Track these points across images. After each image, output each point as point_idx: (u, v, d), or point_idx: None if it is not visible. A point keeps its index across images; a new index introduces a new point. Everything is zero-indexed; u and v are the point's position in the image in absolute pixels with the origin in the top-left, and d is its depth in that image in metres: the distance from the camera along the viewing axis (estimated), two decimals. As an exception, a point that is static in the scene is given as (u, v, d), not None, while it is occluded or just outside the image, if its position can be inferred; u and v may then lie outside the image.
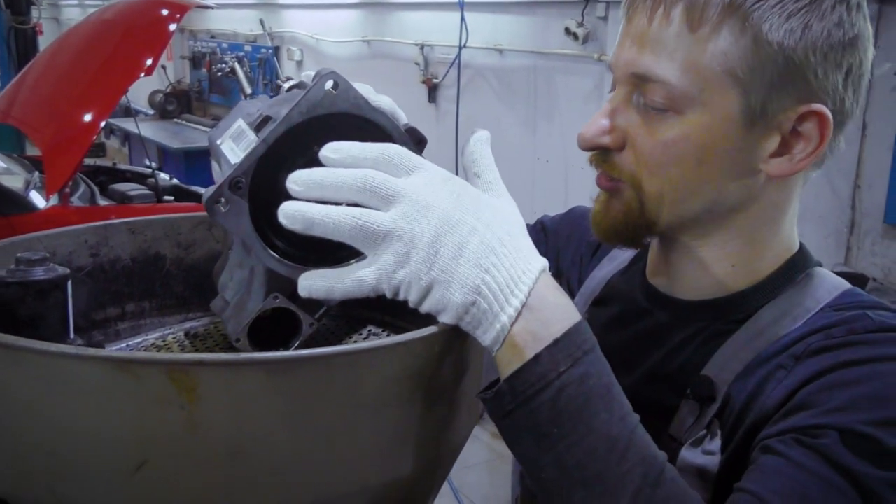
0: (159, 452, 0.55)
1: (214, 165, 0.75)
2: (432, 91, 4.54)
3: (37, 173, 3.38)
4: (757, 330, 0.77)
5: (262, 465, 0.56)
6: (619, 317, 0.89)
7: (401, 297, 0.60)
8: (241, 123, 0.68)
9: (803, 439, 0.66)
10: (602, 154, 0.77)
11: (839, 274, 0.83)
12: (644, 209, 0.76)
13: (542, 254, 1.02)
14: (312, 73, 0.71)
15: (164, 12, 3.49)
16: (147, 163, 4.83)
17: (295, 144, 0.65)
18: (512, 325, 0.60)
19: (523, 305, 0.61)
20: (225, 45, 6.76)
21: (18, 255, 0.70)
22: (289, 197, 0.61)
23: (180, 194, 4.16)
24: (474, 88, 4.20)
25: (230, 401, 0.54)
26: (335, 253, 0.65)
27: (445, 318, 0.61)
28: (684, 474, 0.72)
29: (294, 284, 0.63)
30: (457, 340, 0.64)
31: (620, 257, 0.96)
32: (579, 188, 3.68)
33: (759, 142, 0.73)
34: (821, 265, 0.83)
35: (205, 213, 0.63)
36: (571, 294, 0.97)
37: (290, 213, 0.59)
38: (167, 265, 0.92)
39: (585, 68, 3.48)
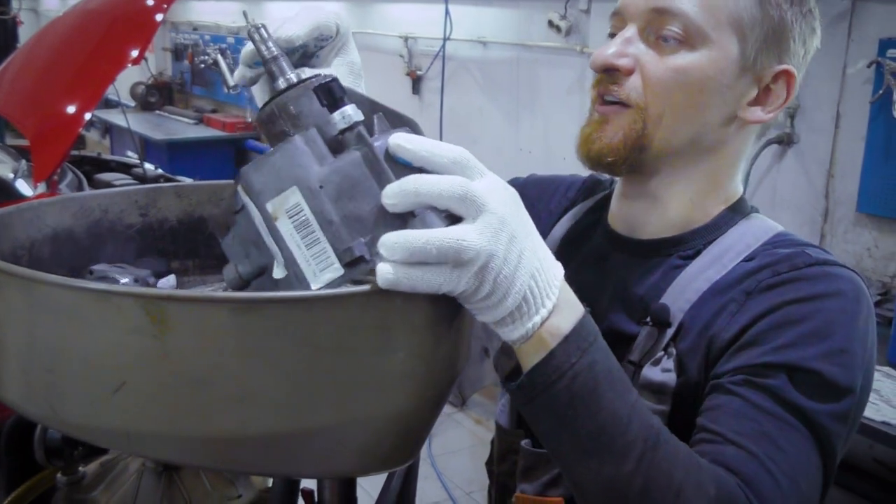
0: (135, 376, 0.61)
1: (261, 224, 0.66)
2: (416, 83, 4.58)
3: (24, 162, 3.39)
4: (706, 263, 0.87)
5: (226, 395, 0.61)
6: (583, 261, 0.98)
7: (465, 297, 0.64)
8: (301, 203, 0.63)
9: (755, 380, 0.75)
10: (611, 76, 0.86)
11: None
12: (644, 130, 0.85)
13: None
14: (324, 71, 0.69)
15: (150, 2, 3.49)
16: (130, 154, 4.84)
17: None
18: (539, 326, 0.67)
19: (554, 307, 0.67)
20: (207, 37, 6.76)
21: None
22: None
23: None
24: (458, 81, 4.25)
25: (197, 334, 0.60)
26: None
27: (488, 317, 0.66)
28: (645, 391, 0.81)
29: None
30: (419, 301, 0.66)
31: (580, 213, 1.04)
32: (561, 179, 3.74)
33: (744, 89, 0.85)
34: (757, 211, 0.93)
35: None
36: None
37: (390, 245, 0.60)
38: (210, 228, 0.97)
39: (568, 60, 3.54)
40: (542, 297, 0.67)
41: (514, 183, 1.12)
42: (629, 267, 0.93)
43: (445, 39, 4.11)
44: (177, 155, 5.98)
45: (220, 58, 6.54)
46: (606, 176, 1.04)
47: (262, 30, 0.72)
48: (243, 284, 0.69)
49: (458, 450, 3.62)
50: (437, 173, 0.62)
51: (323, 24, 0.81)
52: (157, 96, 7.15)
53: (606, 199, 1.01)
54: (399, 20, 4.63)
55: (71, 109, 3.33)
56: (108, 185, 3.79)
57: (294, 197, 0.63)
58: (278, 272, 0.66)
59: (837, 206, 2.57)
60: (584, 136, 0.89)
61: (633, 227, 0.94)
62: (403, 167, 0.63)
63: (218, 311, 0.59)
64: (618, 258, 0.95)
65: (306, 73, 0.73)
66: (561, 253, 0.99)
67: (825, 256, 0.83)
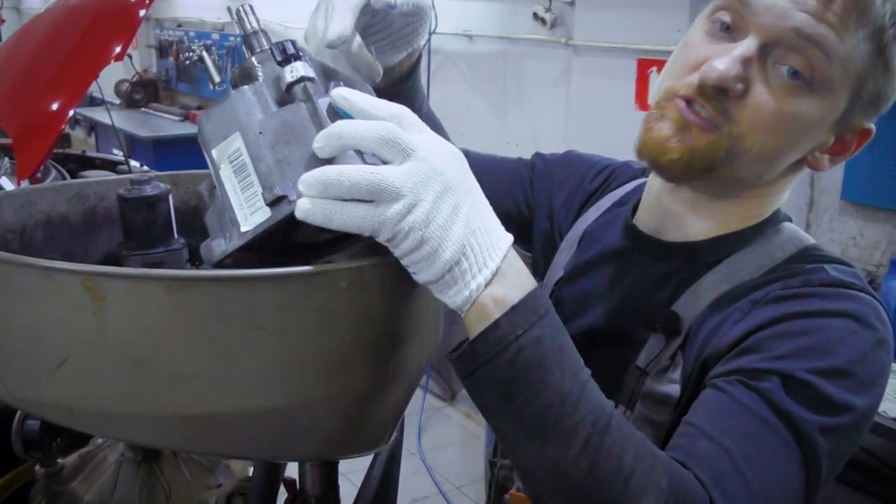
0: (76, 353, 0.62)
1: (213, 173, 0.70)
2: (402, 77, 4.56)
3: (7, 159, 3.36)
4: (725, 274, 0.84)
5: (164, 373, 0.61)
6: (602, 259, 0.95)
7: (394, 244, 0.63)
8: (241, 148, 0.66)
9: (748, 381, 0.72)
10: (715, 93, 0.77)
11: None
12: (724, 158, 0.79)
13: (522, 190, 1.08)
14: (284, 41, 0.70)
15: (133, -2, 3.47)
16: (115, 152, 4.80)
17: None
18: (483, 289, 0.65)
19: (497, 270, 0.65)
20: (192, 34, 6.72)
21: (131, 177, 0.84)
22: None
23: (151, 182, 4.15)
24: (444, 74, 4.24)
25: (134, 311, 0.60)
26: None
27: (428, 275, 0.64)
28: (649, 400, 0.78)
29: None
30: (367, 281, 0.67)
31: (606, 205, 1.02)
32: (548, 171, 3.74)
33: (827, 138, 0.81)
34: (790, 220, 0.89)
35: None
36: (560, 236, 1.03)
37: (306, 181, 0.61)
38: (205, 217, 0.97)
39: (553, 53, 3.53)
40: (484, 257, 0.64)
41: (532, 160, 1.12)
42: (647, 269, 0.90)
43: (431, 33, 4.09)
44: (163, 152, 5.94)
45: (205, 54, 6.47)
46: (640, 164, 0.98)
47: (248, 6, 0.76)
48: (220, 262, 0.69)
49: (447, 444, 3.62)
50: None
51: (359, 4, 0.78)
52: (142, 94, 7.10)
53: (634, 192, 0.97)
54: (384, 14, 4.62)
55: (54, 106, 3.30)
56: (93, 182, 3.77)
57: (236, 142, 0.66)
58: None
59: (822, 194, 2.58)
60: (656, 139, 0.80)
61: (660, 230, 0.90)
62: (344, 119, 0.65)
63: (153, 288, 0.59)
64: (637, 258, 0.91)
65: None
66: (581, 245, 0.99)
67: (847, 278, 0.78)
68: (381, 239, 0.63)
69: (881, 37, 0.75)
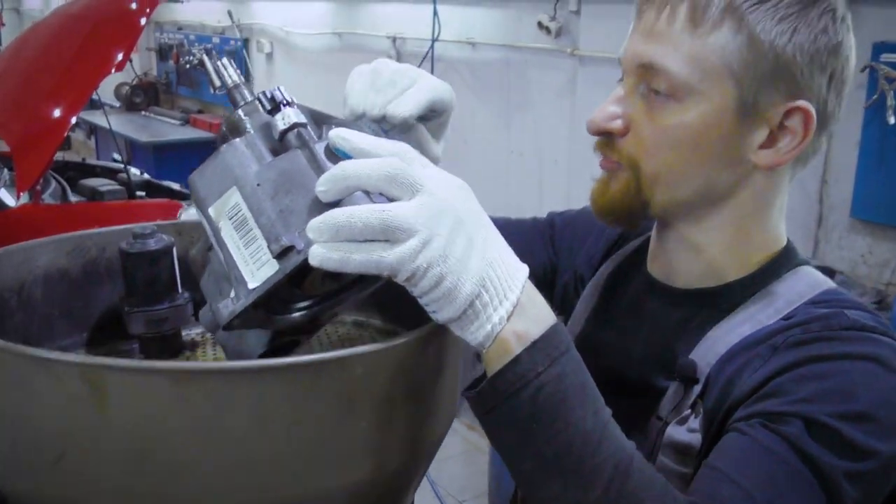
0: (75, 447, 0.59)
1: (210, 232, 0.67)
2: (405, 84, 4.53)
3: (6, 171, 3.33)
4: (741, 319, 0.83)
5: (168, 466, 0.59)
6: (622, 308, 0.95)
7: (412, 282, 0.61)
8: (240, 203, 0.63)
9: (770, 425, 0.71)
10: (607, 138, 0.84)
11: None
12: (640, 189, 0.83)
13: (544, 248, 1.06)
14: (275, 90, 0.69)
15: (133, 6, 3.45)
16: (115, 156, 4.78)
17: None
18: (504, 322, 0.63)
19: (517, 302, 0.63)
20: (192, 37, 6.69)
21: (134, 230, 0.82)
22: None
23: (151, 189, 4.12)
24: (447, 82, 4.18)
25: (138, 404, 0.58)
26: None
27: (449, 312, 0.61)
28: (670, 450, 0.77)
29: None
30: (383, 363, 0.64)
31: (626, 252, 1.01)
32: (553, 182, 3.71)
33: (750, 133, 0.80)
34: (808, 263, 0.87)
35: None
36: (583, 285, 1.03)
37: (315, 227, 0.59)
38: (193, 271, 0.94)
39: (558, 62, 3.51)
40: (504, 289, 0.63)
41: (549, 218, 1.12)
42: (664, 316, 0.89)
43: (434, 40, 4.07)
44: (163, 157, 5.92)
45: (205, 58, 6.44)
46: None
47: (226, 60, 0.74)
48: (219, 325, 0.66)
49: (451, 456, 3.60)
50: None
51: (438, 99, 0.82)
52: (142, 97, 7.08)
53: (647, 241, 0.98)
54: (387, 20, 4.59)
55: (55, 114, 3.27)
56: (94, 191, 3.74)
57: (234, 197, 0.63)
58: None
59: (831, 211, 2.55)
60: (592, 192, 0.88)
61: (670, 274, 0.90)
62: (344, 161, 0.63)
63: (159, 381, 0.57)
64: (653, 305, 0.91)
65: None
66: (603, 294, 0.98)
67: (868, 322, 0.77)
68: (399, 279, 0.61)
69: (734, 15, 0.77)
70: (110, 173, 4.20)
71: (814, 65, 0.78)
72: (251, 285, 0.62)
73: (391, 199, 0.61)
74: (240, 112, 0.68)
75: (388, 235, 0.59)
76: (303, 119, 0.66)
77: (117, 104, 7.21)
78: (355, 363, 0.58)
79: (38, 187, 3.13)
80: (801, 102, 0.79)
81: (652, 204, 0.83)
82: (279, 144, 0.66)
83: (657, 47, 0.79)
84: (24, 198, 3.11)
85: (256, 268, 0.62)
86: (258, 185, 0.63)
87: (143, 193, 4.07)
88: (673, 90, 0.79)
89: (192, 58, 6.56)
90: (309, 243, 0.60)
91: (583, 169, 3.40)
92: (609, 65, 3.33)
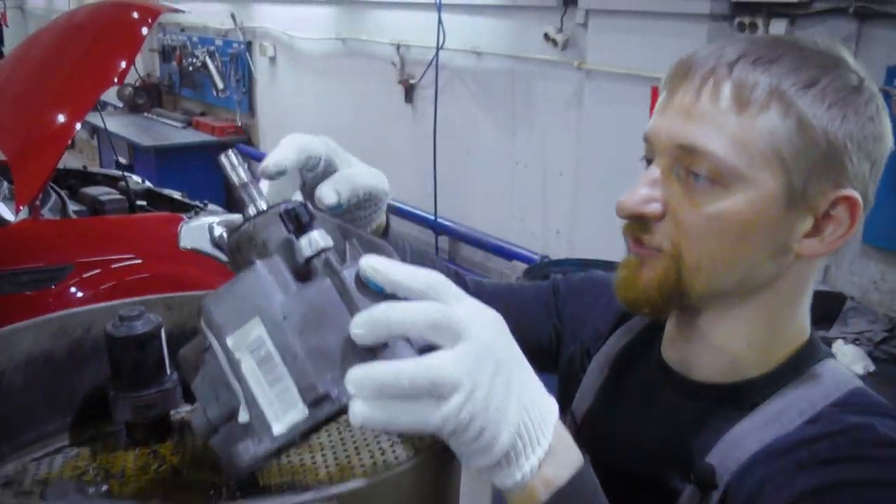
0: None
1: (225, 362, 0.61)
2: (409, 91, 4.50)
3: (5, 183, 3.29)
4: (763, 420, 0.77)
5: None
6: (632, 391, 0.90)
7: (455, 436, 0.58)
8: (264, 336, 0.59)
9: None
10: (639, 223, 0.78)
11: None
12: (680, 278, 0.77)
13: (548, 317, 1.02)
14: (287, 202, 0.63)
15: (135, 15, 3.40)
16: (116, 158, 4.74)
17: None
18: (536, 471, 0.60)
19: (549, 448, 0.61)
20: (195, 39, 6.65)
21: (121, 312, 0.77)
22: None
23: (153, 199, 4.09)
24: (452, 90, 4.17)
25: None
26: None
27: (483, 461, 0.59)
28: None
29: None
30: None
31: (638, 327, 0.95)
32: (558, 194, 3.67)
33: (796, 222, 0.76)
34: (832, 356, 0.83)
35: None
36: (588, 357, 0.97)
37: (357, 381, 0.55)
38: (181, 368, 0.90)
39: (565, 75, 3.46)
40: (537, 434, 0.60)
41: (552, 284, 1.07)
42: (679, 409, 0.84)
43: (439, 48, 4.02)
44: (165, 161, 5.90)
45: (209, 60, 6.45)
46: None
47: (232, 156, 0.67)
48: (213, 431, 0.62)
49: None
50: (411, 299, 0.57)
51: (308, 146, 0.75)
52: (144, 98, 7.05)
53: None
54: (391, 27, 4.55)
55: (55, 127, 3.24)
56: (95, 200, 3.71)
57: (256, 329, 0.58)
58: (244, 415, 0.60)
59: (842, 234, 2.51)
60: (621, 280, 0.81)
61: (686, 364, 0.85)
62: (375, 293, 0.58)
63: None
64: (668, 396, 0.86)
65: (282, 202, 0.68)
66: (612, 371, 0.93)
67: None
68: (443, 434, 0.57)
69: (781, 98, 0.73)
70: (112, 181, 4.16)
71: (861, 152, 0.75)
72: (276, 430, 0.57)
73: (432, 344, 0.57)
74: (254, 224, 0.63)
75: (434, 392, 0.55)
76: (329, 242, 0.61)
77: (120, 105, 7.18)
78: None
79: (38, 202, 3.09)
80: (850, 191, 0.75)
81: (690, 294, 0.78)
82: (303, 267, 0.61)
83: (699, 128, 0.74)
84: (24, 213, 3.07)
85: (282, 410, 0.58)
86: (284, 317, 0.58)
87: (144, 202, 4.04)
88: (717, 175, 0.74)
89: (194, 60, 6.52)
90: (343, 392, 0.56)
91: (588, 183, 3.36)
92: (616, 80, 3.31)
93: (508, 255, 3.93)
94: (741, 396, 0.80)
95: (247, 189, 0.66)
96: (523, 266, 3.83)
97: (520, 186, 3.91)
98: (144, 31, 3.38)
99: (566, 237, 3.62)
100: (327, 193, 0.74)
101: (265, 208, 0.64)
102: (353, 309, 0.57)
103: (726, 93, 0.73)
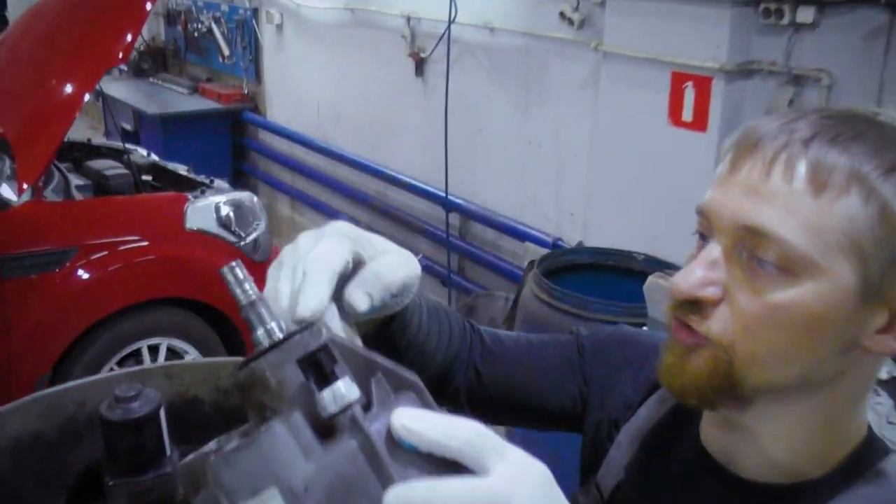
0: None
1: None
2: (419, 65, 4.39)
3: (7, 161, 3.21)
4: None
5: None
6: (668, 476, 0.83)
7: None
8: None
9: None
10: (692, 306, 0.71)
11: None
12: (731, 370, 0.70)
13: (574, 378, 0.95)
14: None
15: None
16: (124, 126, 4.67)
17: None
18: None
19: None
20: (200, 4, 6.51)
21: (116, 392, 0.72)
22: None
23: (158, 172, 4.03)
24: (463, 65, 4.07)
25: None
26: None
27: None
28: None
29: None
30: None
31: (671, 400, 0.87)
32: (573, 176, 3.59)
33: (869, 317, 0.69)
34: (892, 451, 0.77)
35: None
36: (616, 427, 0.91)
37: None
38: (206, 409, 0.86)
39: (581, 54, 3.36)
40: None
41: (577, 342, 0.96)
42: None
43: (451, 22, 3.91)
44: (171, 129, 5.81)
45: (214, 26, 6.33)
46: None
47: (237, 270, 0.59)
48: None
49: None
50: (449, 458, 0.51)
51: (339, 263, 0.65)
52: (149, 63, 6.94)
53: None
54: (401, -2, 4.43)
55: (58, 104, 3.17)
56: (100, 174, 3.64)
57: (273, 501, 0.52)
58: None
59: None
60: (666, 367, 0.75)
61: (731, 458, 0.79)
62: (408, 453, 0.52)
63: None
64: (711, 490, 0.79)
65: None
66: (643, 447, 0.87)
67: None
68: None
69: (862, 183, 0.65)
70: (116, 154, 4.09)
71: None
72: None
73: None
74: (269, 363, 0.56)
75: None
76: (355, 393, 0.54)
77: (125, 69, 7.07)
78: None
79: (41, 182, 3.03)
80: None
81: (742, 387, 0.72)
82: (326, 421, 0.54)
83: (768, 209, 0.67)
84: (27, 194, 3.00)
85: None
86: (305, 489, 0.52)
87: (149, 177, 3.98)
88: (786, 262, 0.67)
89: (200, 25, 6.39)
90: None
91: (604, 167, 3.29)
92: (634, 64, 3.20)
93: (521, 235, 3.87)
94: (800, 499, 0.74)
95: (255, 308, 0.58)
96: (535, 248, 3.77)
97: (533, 166, 3.83)
98: (149, 6, 3.28)
99: (580, 220, 3.55)
100: (360, 299, 0.66)
101: (279, 338, 0.57)
102: (384, 480, 0.51)
103: (801, 173, 0.66)
